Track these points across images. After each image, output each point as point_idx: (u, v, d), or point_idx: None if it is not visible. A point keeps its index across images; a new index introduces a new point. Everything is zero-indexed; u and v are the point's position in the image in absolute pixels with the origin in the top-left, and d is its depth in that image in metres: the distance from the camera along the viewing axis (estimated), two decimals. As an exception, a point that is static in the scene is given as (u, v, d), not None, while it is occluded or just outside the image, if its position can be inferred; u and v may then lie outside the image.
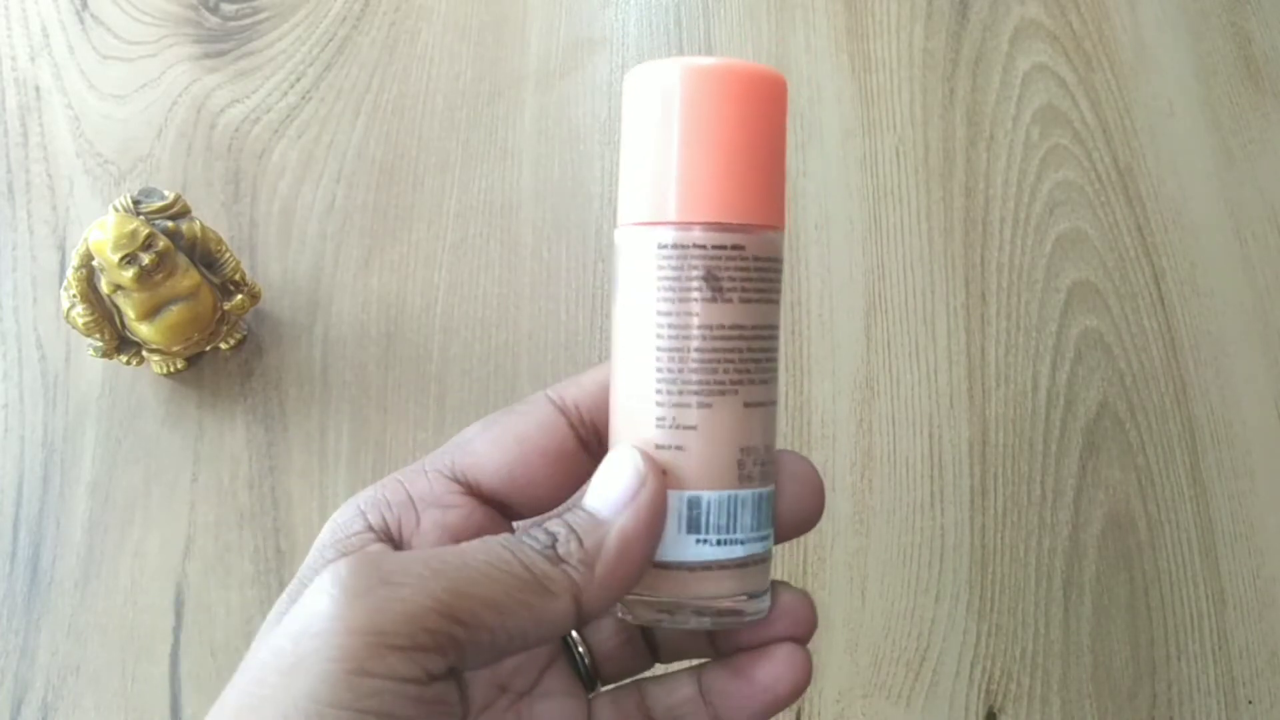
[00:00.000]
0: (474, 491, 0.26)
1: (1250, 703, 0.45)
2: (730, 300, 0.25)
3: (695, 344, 0.25)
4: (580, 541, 0.24)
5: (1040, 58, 0.55)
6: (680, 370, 0.25)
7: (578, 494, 0.27)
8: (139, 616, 0.45)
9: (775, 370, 0.26)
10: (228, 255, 0.47)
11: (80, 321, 0.45)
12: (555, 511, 0.26)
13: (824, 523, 0.46)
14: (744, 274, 0.25)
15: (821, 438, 0.48)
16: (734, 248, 0.25)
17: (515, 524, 0.28)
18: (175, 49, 0.55)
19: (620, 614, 0.26)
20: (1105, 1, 0.57)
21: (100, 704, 0.44)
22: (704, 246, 0.25)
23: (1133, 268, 0.52)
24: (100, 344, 0.46)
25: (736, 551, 0.25)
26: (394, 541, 0.26)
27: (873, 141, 0.54)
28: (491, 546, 0.23)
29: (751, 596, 0.26)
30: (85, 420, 0.48)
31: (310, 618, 0.21)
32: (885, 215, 0.52)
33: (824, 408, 0.49)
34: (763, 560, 0.26)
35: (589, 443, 0.27)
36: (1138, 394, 0.49)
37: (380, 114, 0.54)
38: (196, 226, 0.46)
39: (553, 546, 0.24)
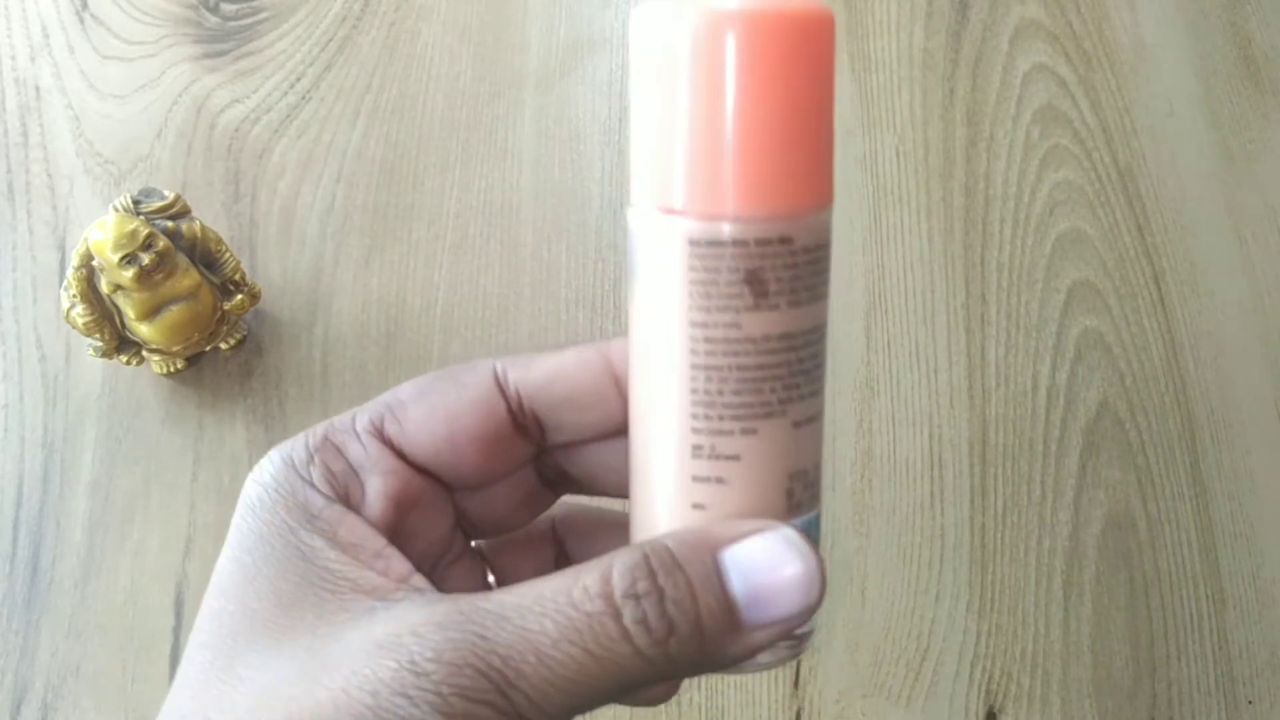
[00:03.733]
0: (404, 458, 0.25)
1: (1250, 703, 0.45)
2: (777, 306, 0.21)
3: (738, 361, 0.21)
4: (697, 633, 0.20)
5: (1040, 58, 0.55)
6: (720, 392, 0.21)
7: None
8: (139, 616, 0.45)
9: (824, 375, 0.22)
10: (227, 255, 0.47)
11: (80, 321, 0.45)
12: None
13: (825, 523, 0.47)
14: (792, 272, 0.21)
15: (821, 438, 0.48)
16: (781, 241, 0.21)
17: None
18: (175, 49, 0.55)
19: None
20: (1105, 1, 0.57)
21: (100, 704, 0.44)
22: (745, 243, 0.20)
23: (1133, 268, 0.52)
24: (100, 344, 0.46)
25: None
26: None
27: (872, 141, 0.54)
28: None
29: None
30: (85, 420, 0.48)
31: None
32: (885, 215, 0.52)
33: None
34: None
35: (525, 427, 0.25)
36: (1138, 394, 0.49)
37: (380, 114, 0.54)
38: (196, 226, 0.46)
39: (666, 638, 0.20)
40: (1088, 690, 0.45)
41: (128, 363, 0.47)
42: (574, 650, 0.19)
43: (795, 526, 0.22)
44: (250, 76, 0.55)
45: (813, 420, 0.22)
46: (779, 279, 0.21)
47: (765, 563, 0.21)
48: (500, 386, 0.25)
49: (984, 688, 0.45)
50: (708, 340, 0.21)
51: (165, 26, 0.56)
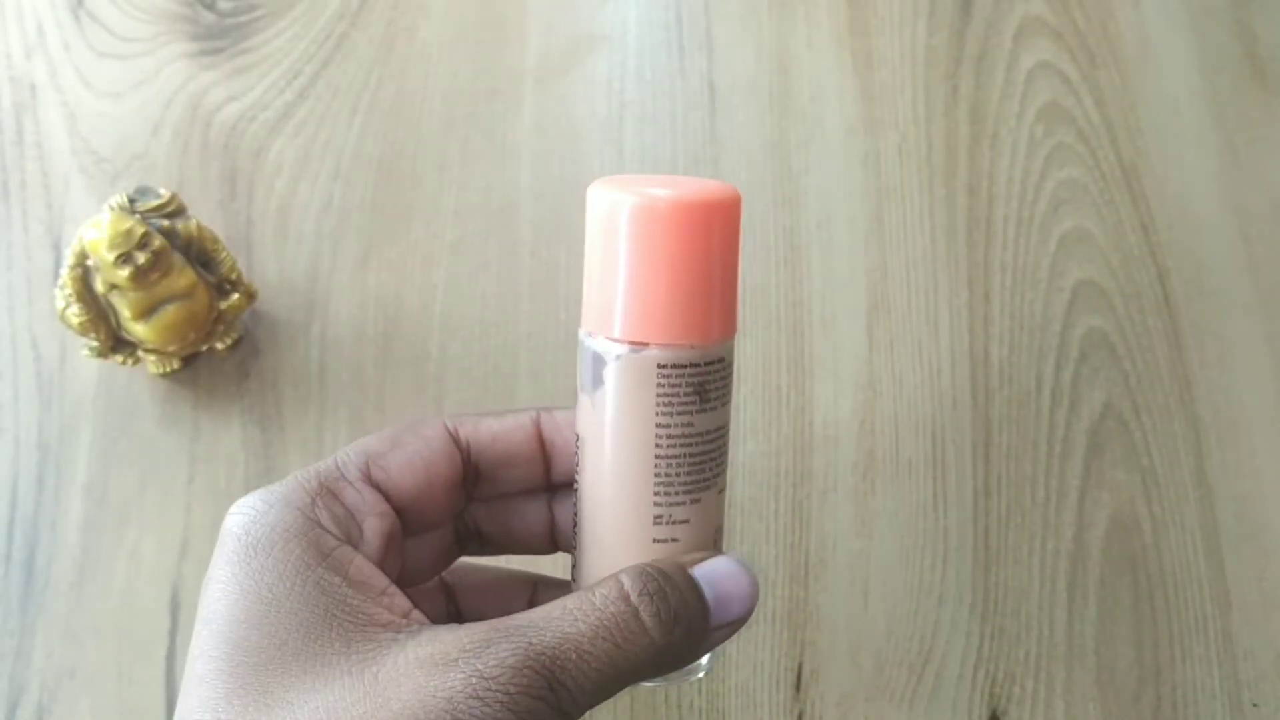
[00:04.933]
0: (388, 501, 0.28)
1: (1255, 705, 0.44)
2: (715, 408, 0.28)
3: (689, 450, 0.28)
4: (689, 626, 0.26)
5: (1044, 55, 0.55)
6: (677, 474, 0.28)
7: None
8: (135, 619, 0.45)
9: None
10: (224, 254, 0.47)
11: (75, 321, 0.45)
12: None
13: (826, 525, 0.46)
14: (723, 381, 0.29)
15: (824, 439, 0.48)
16: (719, 360, 0.28)
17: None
18: (171, 46, 0.55)
19: None
20: (1109, -2, 0.57)
21: (96, 707, 0.43)
22: (698, 364, 0.28)
23: (1137, 267, 0.51)
24: (95, 344, 0.46)
25: None
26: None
27: (875, 139, 0.53)
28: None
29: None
30: (80, 421, 0.48)
31: None
32: (888, 214, 0.52)
33: (825, 409, 0.48)
34: None
35: (467, 478, 0.30)
36: (1142, 394, 0.49)
37: (378, 112, 0.54)
38: (192, 225, 0.46)
39: (673, 621, 0.26)
40: (1091, 693, 0.44)
41: (123, 363, 0.47)
42: (605, 645, 0.24)
43: None
44: (247, 74, 0.54)
45: (725, 486, 0.30)
46: (715, 387, 0.28)
47: (727, 576, 0.27)
48: (454, 440, 0.29)
49: (987, 691, 0.44)
50: (669, 437, 0.28)
51: (161, 24, 0.56)
